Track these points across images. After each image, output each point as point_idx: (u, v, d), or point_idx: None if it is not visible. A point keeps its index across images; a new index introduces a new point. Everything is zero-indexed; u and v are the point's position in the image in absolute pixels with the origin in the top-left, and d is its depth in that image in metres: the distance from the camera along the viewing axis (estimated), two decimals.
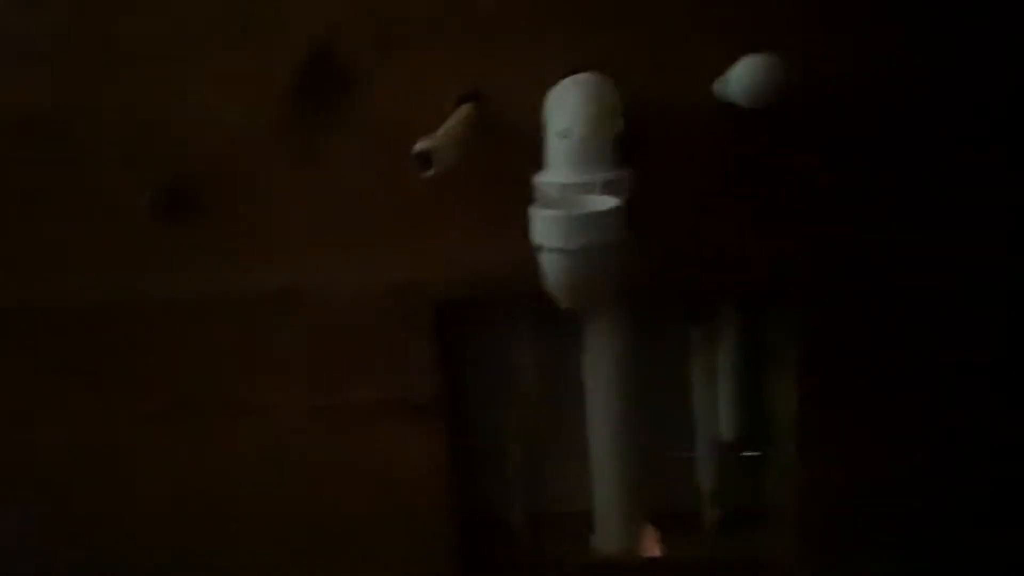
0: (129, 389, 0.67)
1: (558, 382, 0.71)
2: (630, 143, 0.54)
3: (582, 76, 0.55)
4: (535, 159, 0.53)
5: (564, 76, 0.55)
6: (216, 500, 0.68)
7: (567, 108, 0.53)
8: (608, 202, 0.48)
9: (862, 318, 0.61)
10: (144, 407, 0.67)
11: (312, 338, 0.64)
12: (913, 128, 0.56)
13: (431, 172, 0.47)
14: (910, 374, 0.61)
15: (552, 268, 0.47)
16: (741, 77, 0.49)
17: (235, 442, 0.67)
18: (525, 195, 0.51)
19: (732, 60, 0.52)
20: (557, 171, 0.51)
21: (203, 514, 0.69)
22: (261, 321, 0.64)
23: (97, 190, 0.63)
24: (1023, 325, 0.60)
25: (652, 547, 0.72)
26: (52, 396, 0.67)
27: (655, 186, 0.55)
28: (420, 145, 0.47)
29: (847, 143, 0.57)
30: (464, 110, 0.56)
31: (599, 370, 0.66)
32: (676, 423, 0.71)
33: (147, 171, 0.61)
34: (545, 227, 0.46)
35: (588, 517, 0.69)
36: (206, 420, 0.67)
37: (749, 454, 0.71)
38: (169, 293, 0.64)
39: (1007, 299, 0.60)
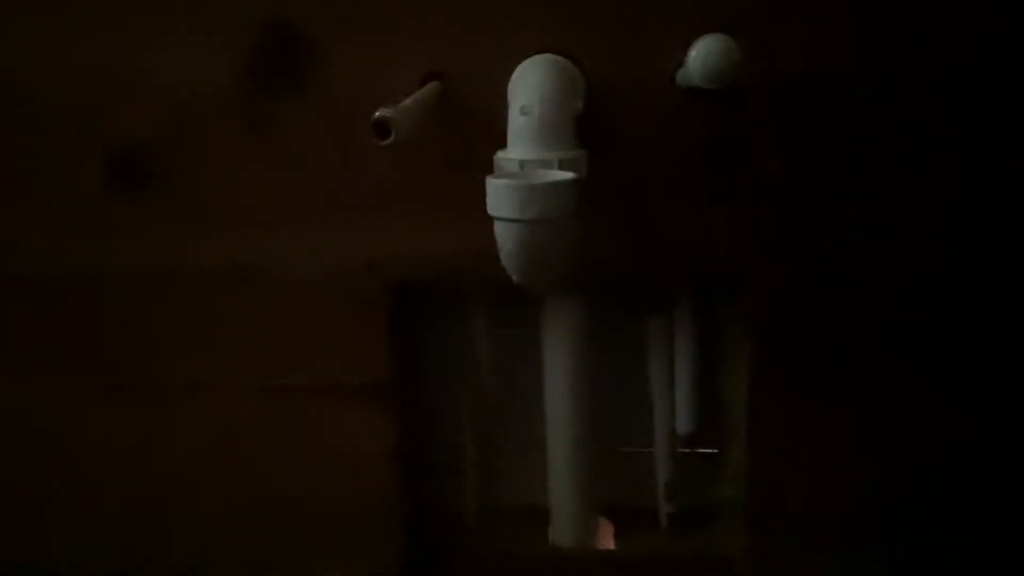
0: (77, 363, 0.65)
1: (515, 372, 0.70)
2: (589, 126, 0.54)
3: (546, 56, 0.55)
4: (498, 141, 0.53)
5: (528, 57, 0.55)
6: (163, 478, 0.66)
7: (530, 85, 0.53)
8: (564, 175, 0.47)
9: (816, 310, 0.60)
10: (92, 381, 0.65)
11: (264, 316, 0.63)
12: (870, 117, 0.57)
13: (390, 141, 0.47)
14: (864, 368, 0.61)
15: (505, 239, 0.47)
16: (699, 56, 0.49)
17: (183, 419, 0.65)
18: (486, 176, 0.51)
19: None
20: (516, 147, 0.51)
21: (148, 492, 0.67)
22: (212, 297, 0.63)
23: (48, 159, 0.61)
24: (983, 317, 0.60)
25: (607, 542, 0.71)
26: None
27: (612, 170, 0.55)
28: (380, 112, 0.46)
29: (804, 132, 0.57)
30: (428, 87, 0.56)
31: (556, 362, 0.66)
32: (632, 418, 0.71)
33: (100, 141, 0.60)
34: (499, 197, 0.46)
35: (543, 511, 0.68)
36: (153, 396, 0.65)
37: (705, 451, 0.71)
38: (120, 266, 0.63)
39: (965, 290, 0.60)
